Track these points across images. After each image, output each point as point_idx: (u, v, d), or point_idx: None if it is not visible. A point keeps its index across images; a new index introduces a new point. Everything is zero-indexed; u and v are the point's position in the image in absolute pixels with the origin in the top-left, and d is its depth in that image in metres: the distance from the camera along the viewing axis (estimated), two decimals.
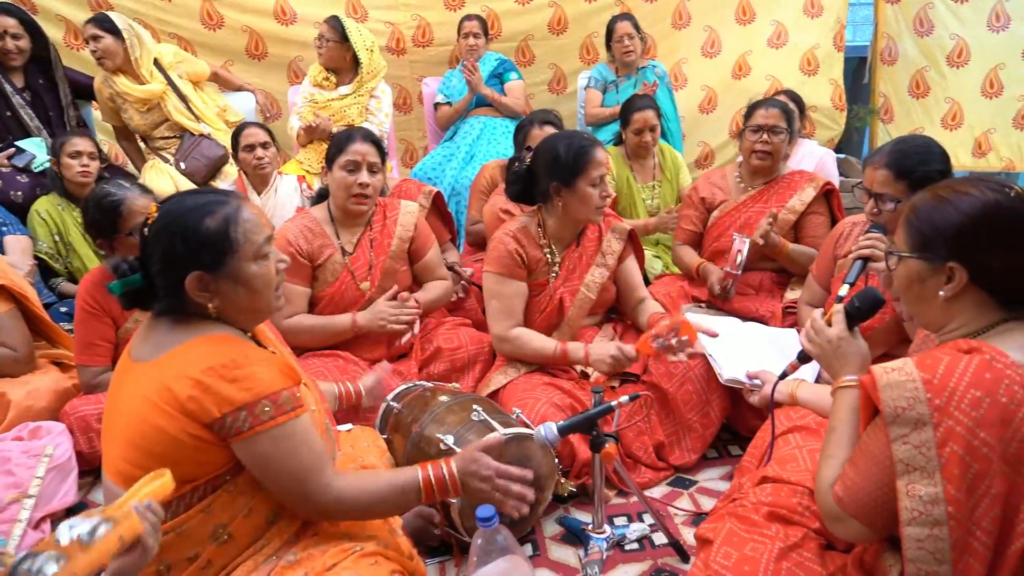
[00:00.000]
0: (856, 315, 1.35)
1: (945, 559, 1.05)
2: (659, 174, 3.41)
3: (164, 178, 3.34)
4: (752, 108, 2.72)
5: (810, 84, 4.71)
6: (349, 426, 1.85)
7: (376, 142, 2.34)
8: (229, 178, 3.44)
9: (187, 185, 3.28)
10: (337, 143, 2.32)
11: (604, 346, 2.11)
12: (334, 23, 3.49)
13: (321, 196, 2.47)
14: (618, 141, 3.46)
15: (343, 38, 3.47)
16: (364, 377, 1.97)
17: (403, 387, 2.07)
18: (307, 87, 3.59)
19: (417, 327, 2.29)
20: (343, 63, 3.53)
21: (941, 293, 1.18)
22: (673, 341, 1.95)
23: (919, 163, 1.87)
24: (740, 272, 2.55)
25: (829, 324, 1.37)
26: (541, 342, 2.18)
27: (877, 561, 1.22)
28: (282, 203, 3.25)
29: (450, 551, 1.80)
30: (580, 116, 4.25)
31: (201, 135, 3.44)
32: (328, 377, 2.09)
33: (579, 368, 2.24)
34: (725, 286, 2.59)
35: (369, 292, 2.35)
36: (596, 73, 4.08)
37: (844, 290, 1.81)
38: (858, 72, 5.08)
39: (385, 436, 1.91)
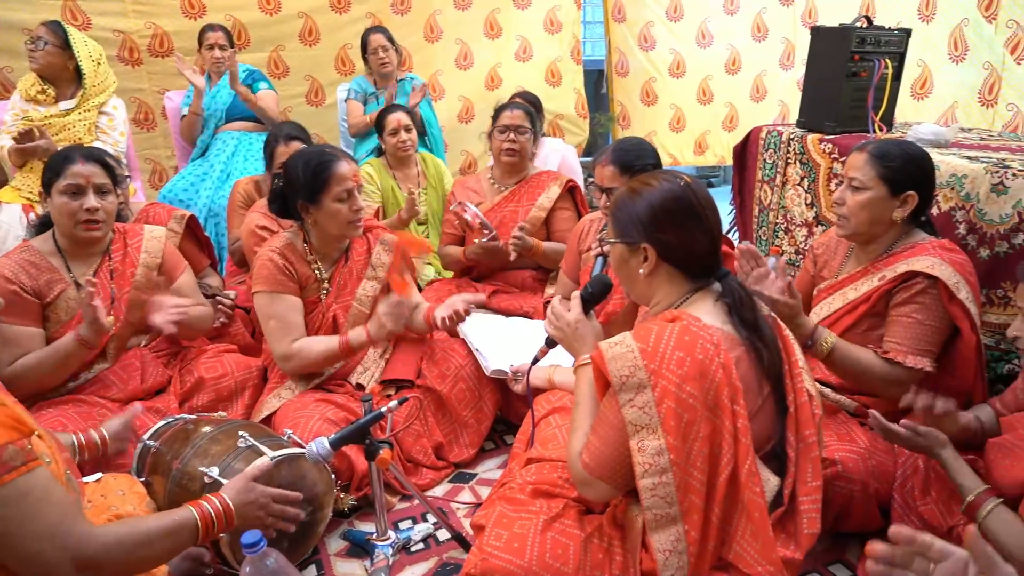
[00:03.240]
0: (590, 299, 1.51)
1: (673, 501, 1.22)
2: (424, 181, 3.49)
3: None
4: (498, 111, 2.94)
5: (556, 94, 5.11)
6: (98, 475, 1.66)
7: (100, 160, 2.11)
8: None
9: None
10: (53, 166, 2.05)
11: (375, 317, 2.15)
12: (55, 27, 3.08)
13: (44, 225, 2.19)
14: (380, 152, 3.49)
15: (65, 44, 3.07)
16: (108, 421, 1.78)
17: (161, 423, 1.91)
18: (18, 102, 3.12)
19: (174, 314, 2.11)
20: (63, 72, 3.11)
21: (641, 271, 1.36)
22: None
23: (636, 157, 2.16)
24: (485, 222, 2.73)
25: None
26: (324, 344, 2.14)
27: (626, 516, 1.38)
28: (1, 237, 2.84)
29: None
30: (343, 129, 4.21)
31: None
32: (68, 427, 1.86)
33: (353, 380, 2.23)
34: (484, 234, 2.73)
35: (114, 327, 2.13)
36: (356, 85, 4.06)
37: None
38: (598, 83, 5.61)
39: (143, 479, 1.75)
